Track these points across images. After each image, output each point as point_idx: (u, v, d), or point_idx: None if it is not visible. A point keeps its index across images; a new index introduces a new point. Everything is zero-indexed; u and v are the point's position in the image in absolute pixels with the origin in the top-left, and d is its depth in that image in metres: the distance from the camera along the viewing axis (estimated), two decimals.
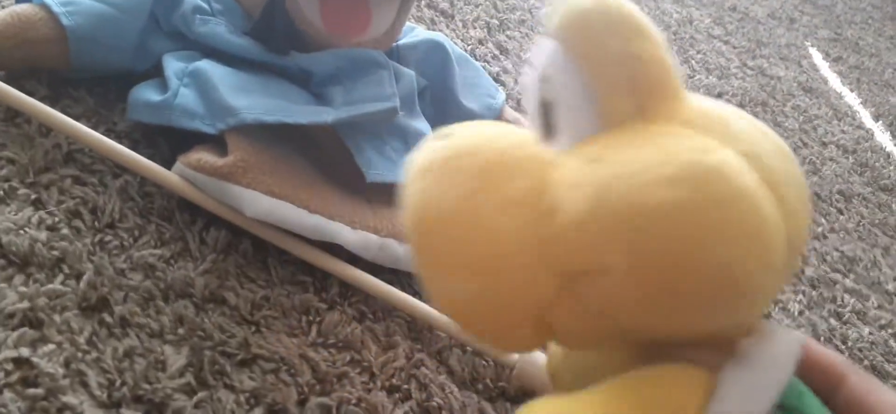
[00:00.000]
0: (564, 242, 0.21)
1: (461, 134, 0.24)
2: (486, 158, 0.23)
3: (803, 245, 0.23)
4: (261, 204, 0.36)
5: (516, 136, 0.24)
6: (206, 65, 0.40)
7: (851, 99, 1.10)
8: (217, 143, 0.38)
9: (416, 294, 0.40)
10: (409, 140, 0.45)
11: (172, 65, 0.41)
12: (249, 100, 0.39)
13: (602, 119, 0.22)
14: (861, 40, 1.39)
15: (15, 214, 0.34)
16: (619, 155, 0.21)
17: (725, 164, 0.20)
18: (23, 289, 0.31)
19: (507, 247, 0.22)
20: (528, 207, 0.22)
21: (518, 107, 0.64)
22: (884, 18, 1.65)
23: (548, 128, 0.24)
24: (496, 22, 0.79)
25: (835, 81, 1.14)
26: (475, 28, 0.76)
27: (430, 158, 0.24)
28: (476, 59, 0.66)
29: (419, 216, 0.23)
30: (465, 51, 0.68)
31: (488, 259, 0.22)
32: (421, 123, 0.47)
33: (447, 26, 0.73)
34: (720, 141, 0.21)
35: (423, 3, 0.74)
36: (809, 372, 0.23)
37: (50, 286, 0.32)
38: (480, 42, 0.74)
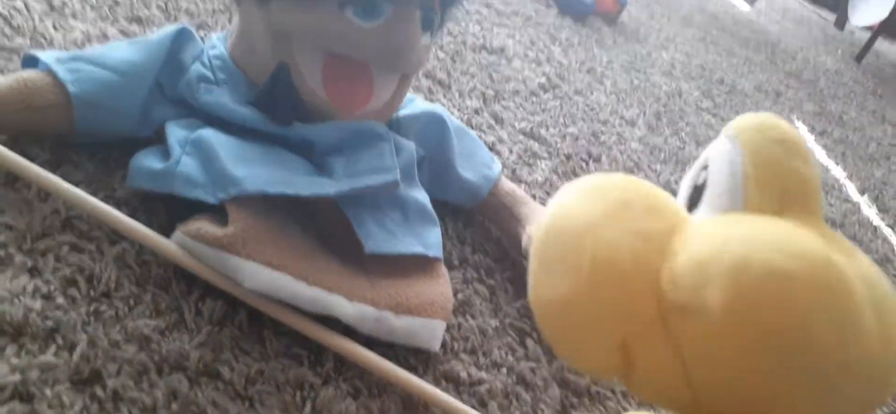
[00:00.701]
0: (678, 276, 0.23)
1: (621, 175, 0.28)
2: (631, 195, 0.26)
3: (890, 389, 0.24)
4: (260, 275, 0.36)
5: (665, 194, 0.28)
6: (208, 133, 0.41)
7: (837, 172, 1.12)
8: (216, 212, 0.38)
9: (412, 369, 0.40)
10: (408, 211, 0.46)
11: (175, 133, 0.41)
12: (251, 170, 0.39)
13: (745, 205, 0.26)
14: (845, 115, 1.43)
15: (10, 282, 0.34)
16: (751, 225, 0.24)
17: (844, 267, 0.22)
18: (15, 360, 0.30)
19: (623, 268, 0.24)
20: (658, 243, 0.25)
21: (513, 176, 0.65)
22: (865, 93, 1.69)
23: (693, 205, 0.28)
24: (492, 92, 0.80)
25: (821, 155, 1.17)
26: (471, 98, 0.77)
27: (584, 182, 0.27)
28: (472, 128, 0.67)
29: (552, 219, 0.27)
30: (462, 120, 0.70)
31: (602, 272, 0.24)
32: (420, 194, 0.48)
33: (444, 95, 0.75)
34: (844, 257, 0.24)
35: (420, 73, 0.75)
36: None
37: (42, 358, 0.31)
38: (476, 111, 0.75)
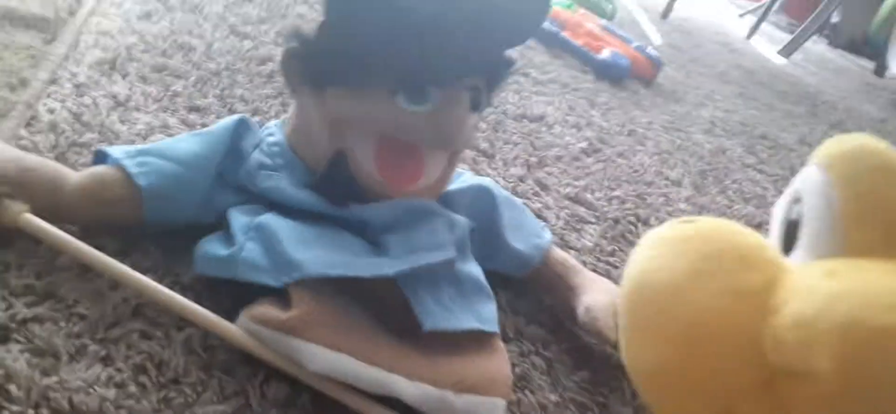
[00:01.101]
0: (783, 339, 0.22)
1: (703, 220, 0.26)
2: (721, 246, 0.24)
3: None
4: (322, 358, 0.36)
5: (755, 237, 0.26)
6: (270, 218, 0.42)
7: None
8: (278, 295, 0.39)
9: None
10: (463, 286, 0.46)
11: (238, 219, 0.42)
12: (312, 253, 0.40)
13: (846, 246, 0.24)
14: None
15: (85, 372, 0.35)
16: (855, 275, 0.22)
17: None
18: None
19: (719, 330, 0.23)
20: (754, 298, 0.23)
21: (561, 243, 0.65)
22: None
23: (787, 243, 0.26)
24: (535, 159, 0.81)
25: None
26: (515, 166, 0.78)
27: (665, 233, 0.26)
28: (517, 196, 0.68)
29: (638, 280, 0.25)
30: (507, 188, 0.70)
31: (698, 337, 0.23)
32: (474, 267, 0.48)
33: (488, 165, 0.76)
34: None
35: (461, 155, 0.77)
36: None
37: None
38: (521, 179, 0.75)
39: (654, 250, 0.25)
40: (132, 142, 0.53)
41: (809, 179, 0.26)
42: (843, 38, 2.96)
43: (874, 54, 2.68)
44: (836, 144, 0.25)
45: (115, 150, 0.43)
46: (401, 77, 0.42)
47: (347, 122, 0.44)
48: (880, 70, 2.53)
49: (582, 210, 0.74)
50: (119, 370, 0.36)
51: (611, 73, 1.26)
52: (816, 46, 2.85)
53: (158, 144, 0.44)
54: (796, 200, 0.26)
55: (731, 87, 1.61)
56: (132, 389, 0.35)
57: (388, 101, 0.42)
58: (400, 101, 0.42)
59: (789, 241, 0.26)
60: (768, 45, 2.43)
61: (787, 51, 2.19)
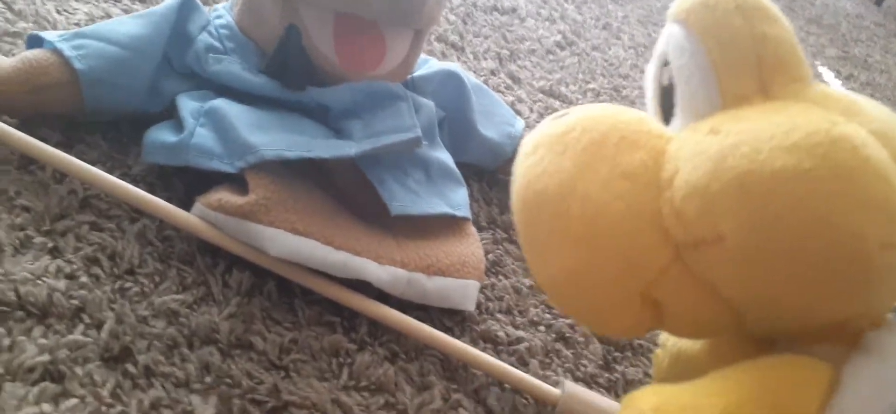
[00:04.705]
0: (681, 211, 0.21)
1: (576, 111, 0.24)
2: (600, 132, 0.23)
3: None
4: (286, 242, 0.35)
5: (632, 113, 0.24)
6: (222, 103, 0.39)
7: None
8: (235, 182, 0.37)
9: (447, 331, 0.39)
10: (431, 171, 0.44)
11: (187, 104, 0.40)
12: (268, 136, 0.38)
13: (723, 98, 0.22)
14: (869, 58, 1.39)
15: (32, 264, 0.33)
16: (738, 126, 0.21)
17: (853, 136, 0.19)
18: (43, 341, 0.29)
19: (617, 218, 0.22)
20: (644, 178, 0.22)
21: None
22: (888, 35, 1.65)
23: (665, 111, 0.25)
24: (507, 52, 0.78)
25: None
26: (486, 59, 0.75)
27: (541, 135, 0.24)
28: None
29: (525, 192, 0.24)
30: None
31: (597, 231, 0.22)
32: (443, 154, 0.46)
33: (458, 58, 0.73)
34: (847, 118, 0.21)
35: (433, 37, 0.73)
36: None
37: (71, 337, 0.30)
38: (492, 72, 0.73)
39: (536, 155, 0.24)
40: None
41: (672, 38, 0.24)
42: None
43: None
44: None
45: (50, 35, 0.40)
46: None
47: None
48: None
49: (556, 103, 0.72)
50: (69, 262, 0.34)
51: None
52: None
53: (97, 27, 0.41)
54: (664, 64, 0.25)
55: None
56: (84, 279, 0.33)
57: None
58: None
59: (666, 108, 0.25)
60: None
61: None
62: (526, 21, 0.90)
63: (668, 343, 0.31)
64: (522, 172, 0.24)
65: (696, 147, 0.21)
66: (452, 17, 0.80)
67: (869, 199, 0.19)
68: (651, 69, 0.26)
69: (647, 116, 0.25)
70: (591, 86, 0.79)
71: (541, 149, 0.24)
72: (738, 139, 0.20)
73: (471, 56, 0.74)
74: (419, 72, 0.50)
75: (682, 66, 0.23)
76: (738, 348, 0.24)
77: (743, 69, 0.22)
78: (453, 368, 0.37)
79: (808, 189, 0.19)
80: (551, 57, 0.83)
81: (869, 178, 0.19)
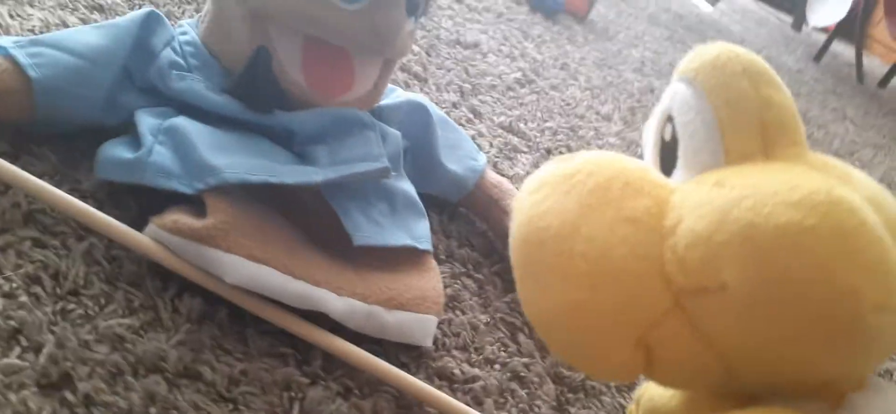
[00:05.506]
0: (685, 258, 0.21)
1: (582, 155, 0.25)
2: (605, 177, 0.23)
3: None
4: (242, 269, 0.34)
5: (636, 162, 0.25)
6: (183, 121, 0.38)
7: None
8: (193, 204, 0.36)
9: (403, 367, 0.38)
10: (396, 202, 0.44)
11: (146, 121, 0.38)
12: (230, 158, 0.37)
13: (727, 155, 0.23)
14: (809, 112, 1.46)
15: None
16: (743, 180, 0.22)
17: (850, 199, 0.20)
18: None
19: (620, 260, 0.22)
20: (648, 224, 0.22)
21: (494, 171, 0.64)
22: (825, 92, 1.73)
23: (665, 164, 0.25)
24: (469, 86, 0.79)
25: None
26: (448, 91, 0.75)
27: (547, 174, 0.25)
28: None
29: (527, 227, 0.24)
30: None
31: (600, 270, 0.22)
32: (407, 185, 0.46)
33: (421, 89, 0.73)
34: (842, 183, 0.22)
35: (396, 66, 0.73)
36: None
37: (6, 361, 0.28)
38: (454, 105, 0.73)
39: (539, 193, 0.24)
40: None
41: (678, 96, 0.25)
42: None
43: (792, 7, 2.78)
44: (697, 56, 0.25)
45: (4, 40, 0.38)
46: None
47: (271, 18, 0.40)
48: (797, 24, 2.62)
49: (515, 139, 0.73)
50: (8, 280, 0.32)
51: (545, 7, 1.24)
52: None
53: (55, 35, 0.39)
54: (668, 120, 0.26)
55: (660, 29, 1.63)
56: (23, 298, 0.31)
57: None
58: None
59: (667, 163, 0.26)
60: None
61: None
62: (487, 56, 0.91)
63: (643, 398, 0.32)
64: (525, 208, 0.24)
65: (702, 198, 0.22)
66: (416, 48, 0.81)
67: (866, 260, 0.19)
68: (653, 123, 0.27)
69: (650, 167, 0.25)
70: (548, 124, 0.80)
71: (546, 187, 0.24)
72: (743, 193, 0.21)
73: (433, 87, 0.75)
74: (386, 101, 0.50)
75: (688, 122, 0.24)
76: (717, 405, 0.24)
77: (747, 130, 0.23)
78: (408, 405, 0.37)
79: (811, 245, 0.19)
80: (511, 93, 0.84)
81: (865, 240, 0.20)
